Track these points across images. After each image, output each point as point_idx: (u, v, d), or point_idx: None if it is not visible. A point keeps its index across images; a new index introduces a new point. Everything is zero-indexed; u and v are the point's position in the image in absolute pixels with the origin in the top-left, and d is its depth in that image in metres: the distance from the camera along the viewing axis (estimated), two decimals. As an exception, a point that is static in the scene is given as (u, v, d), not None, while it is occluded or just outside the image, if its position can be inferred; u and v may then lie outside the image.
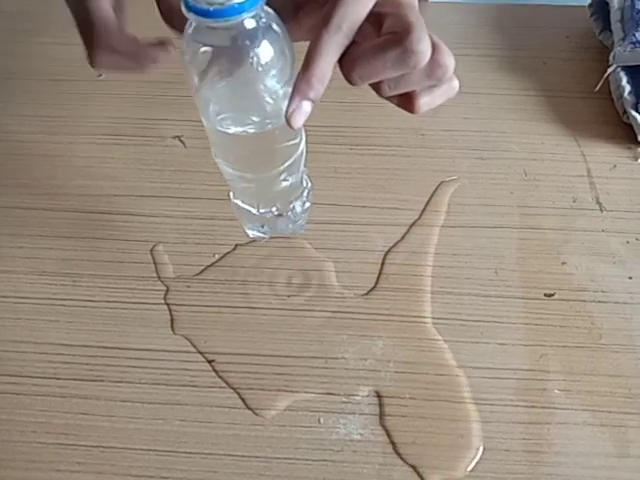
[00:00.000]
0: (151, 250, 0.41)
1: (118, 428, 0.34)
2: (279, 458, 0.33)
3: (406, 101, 0.25)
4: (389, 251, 0.41)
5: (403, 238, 0.42)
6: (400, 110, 0.25)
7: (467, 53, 0.55)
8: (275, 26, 0.25)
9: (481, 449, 0.33)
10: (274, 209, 0.35)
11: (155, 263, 0.41)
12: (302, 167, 0.34)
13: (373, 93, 0.25)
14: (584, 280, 0.39)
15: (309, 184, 0.37)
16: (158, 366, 0.36)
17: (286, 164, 0.31)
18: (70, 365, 0.36)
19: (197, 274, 0.40)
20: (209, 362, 0.36)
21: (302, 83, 0.23)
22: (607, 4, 0.53)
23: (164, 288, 0.40)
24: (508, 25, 0.57)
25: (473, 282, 0.39)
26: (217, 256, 0.41)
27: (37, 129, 0.49)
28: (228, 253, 0.41)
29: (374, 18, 0.24)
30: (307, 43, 0.24)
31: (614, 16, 0.52)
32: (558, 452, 0.33)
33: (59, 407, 0.35)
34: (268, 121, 0.28)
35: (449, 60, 0.24)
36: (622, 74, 0.49)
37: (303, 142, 0.32)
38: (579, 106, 0.50)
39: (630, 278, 0.40)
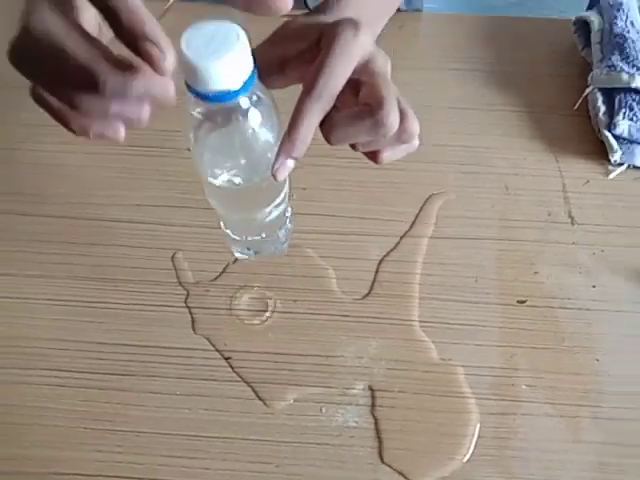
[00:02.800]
0: (172, 257, 0.46)
1: (149, 416, 0.40)
2: (287, 442, 0.39)
3: (372, 154, 0.30)
4: (383, 260, 0.47)
5: (395, 248, 0.47)
6: None
7: (456, 67, 0.59)
8: (263, 95, 0.29)
9: (458, 436, 0.39)
10: (260, 238, 0.40)
11: (176, 269, 0.46)
12: (286, 202, 0.39)
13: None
14: (553, 288, 0.45)
15: (291, 211, 0.42)
16: (182, 362, 0.42)
17: (272, 205, 0.36)
18: (106, 361, 0.42)
19: (213, 279, 0.46)
20: (226, 359, 0.42)
21: (287, 144, 0.27)
22: (589, 24, 0.57)
23: (185, 292, 0.45)
24: (497, 38, 0.60)
25: (456, 289, 0.45)
26: (231, 263, 0.46)
27: (62, 139, 0.53)
28: (241, 261, 0.46)
29: (352, 84, 0.28)
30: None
31: (594, 37, 0.56)
32: (522, 439, 0.39)
33: (98, 398, 0.40)
34: (256, 174, 0.32)
35: (415, 127, 0.28)
36: (598, 95, 0.53)
37: (287, 184, 0.37)
38: (560, 123, 0.55)
39: (594, 287, 0.45)
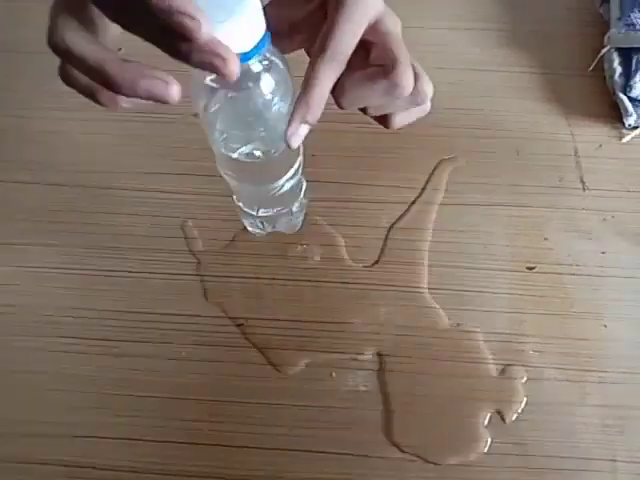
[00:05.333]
0: (182, 226, 0.47)
1: (167, 382, 0.41)
2: (299, 405, 0.40)
3: (383, 118, 0.30)
4: (392, 227, 0.47)
5: (405, 215, 0.47)
6: None
7: (470, 27, 0.57)
8: (277, 61, 0.28)
9: (468, 400, 0.40)
10: (273, 211, 0.40)
11: (186, 238, 0.46)
12: (299, 175, 0.38)
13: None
14: (562, 255, 0.45)
15: (304, 184, 0.42)
16: (195, 329, 0.43)
17: (285, 178, 0.35)
18: (120, 329, 0.43)
19: (223, 248, 0.46)
20: (238, 326, 0.43)
21: (301, 109, 0.26)
22: (608, -22, 0.54)
23: (195, 261, 0.45)
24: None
25: (465, 256, 0.45)
26: (240, 231, 0.46)
27: (65, 106, 0.53)
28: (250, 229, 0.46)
29: (362, 45, 0.27)
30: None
31: (613, -8, 0.54)
32: (529, 402, 0.40)
33: (115, 364, 0.41)
34: (270, 145, 0.31)
35: (428, 88, 0.28)
36: (615, 55, 0.52)
37: (301, 155, 0.36)
38: (574, 84, 0.53)
39: (603, 253, 0.45)
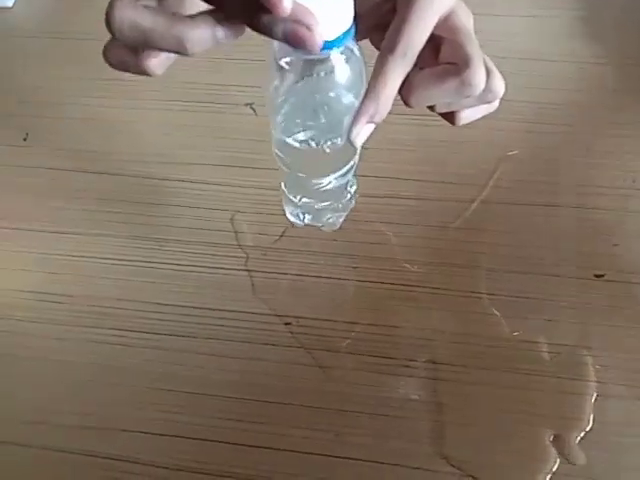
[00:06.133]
0: (231, 219, 0.45)
1: (210, 378, 0.40)
2: (346, 411, 0.39)
3: (448, 115, 0.27)
4: (448, 227, 0.44)
5: (461, 214, 0.44)
6: None
7: (531, 14, 0.54)
8: (356, 52, 0.26)
9: (528, 414, 0.37)
10: (316, 204, 0.38)
11: (235, 232, 0.45)
12: (351, 175, 0.36)
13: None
14: (633, 262, 0.42)
15: (355, 187, 0.39)
16: (243, 326, 0.41)
17: (334, 175, 0.33)
18: (164, 322, 0.42)
19: (272, 243, 0.44)
20: (286, 324, 0.41)
21: (369, 106, 0.25)
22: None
23: (244, 255, 0.44)
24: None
25: (526, 260, 0.42)
26: (289, 227, 0.45)
27: (108, 93, 0.52)
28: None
29: (431, 38, 0.25)
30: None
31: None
32: (595, 420, 0.37)
33: (158, 358, 0.41)
34: (328, 137, 0.29)
35: (500, 87, 0.26)
36: (698, 46, 0.48)
37: (356, 156, 0.34)
38: (647, 77, 0.50)
39: (680, 262, 0.42)
